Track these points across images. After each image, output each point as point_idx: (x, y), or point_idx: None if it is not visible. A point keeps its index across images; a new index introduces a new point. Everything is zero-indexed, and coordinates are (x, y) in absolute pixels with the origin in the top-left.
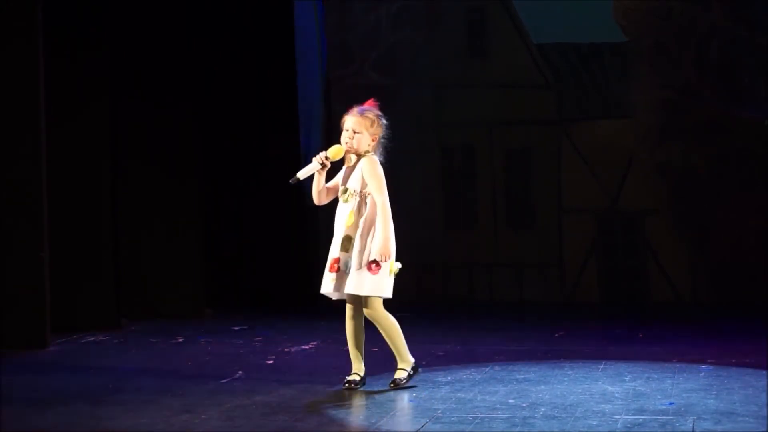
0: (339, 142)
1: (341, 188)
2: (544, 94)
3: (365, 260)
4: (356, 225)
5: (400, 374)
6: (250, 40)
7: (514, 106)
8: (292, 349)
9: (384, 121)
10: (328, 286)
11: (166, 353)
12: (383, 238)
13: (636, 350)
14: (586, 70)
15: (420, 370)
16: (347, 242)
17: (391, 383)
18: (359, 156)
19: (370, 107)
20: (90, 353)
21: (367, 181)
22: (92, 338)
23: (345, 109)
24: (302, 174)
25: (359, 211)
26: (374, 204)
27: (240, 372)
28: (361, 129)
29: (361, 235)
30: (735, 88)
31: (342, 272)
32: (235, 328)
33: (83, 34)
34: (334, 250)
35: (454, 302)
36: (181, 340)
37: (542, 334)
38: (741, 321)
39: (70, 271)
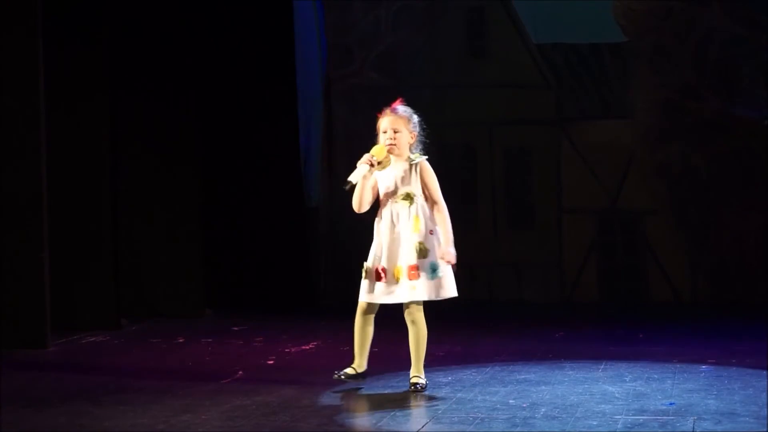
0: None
1: (400, 193)
2: (544, 94)
3: (444, 263)
4: (423, 230)
5: (420, 380)
6: (250, 40)
7: (514, 106)
8: (292, 349)
9: (417, 118)
10: (403, 293)
11: (166, 353)
12: (449, 240)
13: (636, 350)
14: (586, 70)
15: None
16: (423, 248)
17: (412, 387)
18: (409, 159)
19: (401, 105)
20: (90, 353)
21: (429, 185)
22: (92, 338)
23: (345, 109)
24: (354, 178)
25: (423, 215)
26: (426, 207)
27: (240, 372)
28: (400, 127)
29: (428, 240)
30: (735, 88)
31: (425, 278)
32: (235, 328)
33: (83, 29)
34: (406, 257)
35: (455, 302)
36: (181, 340)
37: (542, 334)
38: (741, 321)
39: (70, 271)
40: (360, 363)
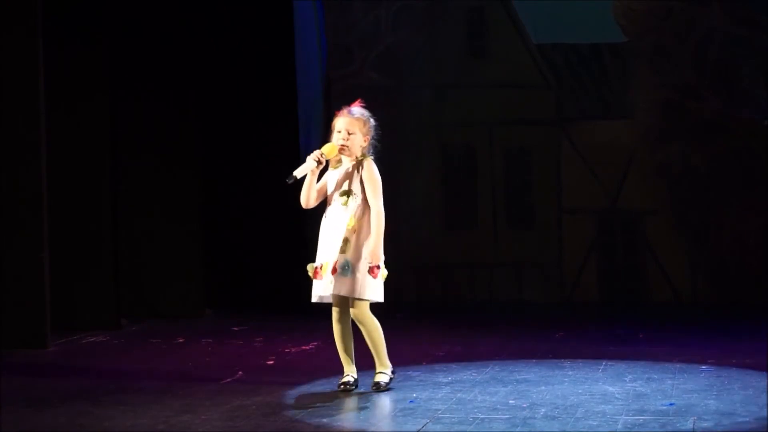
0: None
1: (340, 191)
2: (544, 94)
3: (365, 264)
4: (356, 229)
5: (382, 377)
6: (250, 40)
7: (514, 106)
8: (292, 350)
9: (373, 122)
10: (328, 288)
11: (166, 353)
12: (376, 244)
13: (636, 350)
14: (586, 70)
15: (396, 375)
16: (345, 245)
17: (373, 386)
18: (357, 159)
19: (359, 108)
20: (90, 353)
21: (366, 184)
22: (92, 338)
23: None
24: (299, 172)
25: (362, 214)
26: (363, 207)
27: (240, 372)
28: (354, 129)
29: (360, 239)
30: (735, 88)
31: (338, 274)
32: (235, 328)
33: (83, 29)
34: (332, 253)
35: (454, 302)
36: (181, 340)
37: (542, 334)
38: (741, 321)
39: (70, 271)
40: (351, 369)
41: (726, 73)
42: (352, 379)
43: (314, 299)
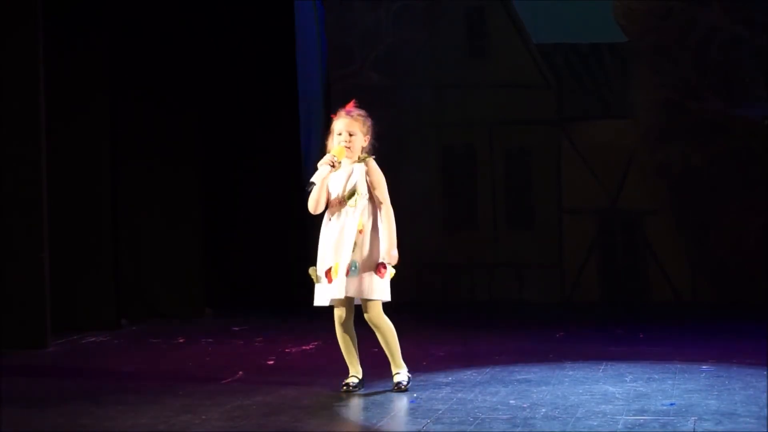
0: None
1: (346, 192)
2: (544, 94)
3: (374, 264)
4: (366, 229)
5: (402, 378)
6: (251, 40)
7: (514, 106)
8: (293, 350)
9: (371, 121)
10: (340, 291)
11: (166, 353)
12: (392, 241)
13: (636, 350)
14: (586, 70)
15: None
16: (356, 246)
17: (395, 387)
18: (359, 159)
19: (356, 108)
20: (90, 353)
21: (375, 184)
22: (92, 338)
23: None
24: (317, 179)
25: (370, 214)
26: (371, 206)
27: (240, 372)
28: (355, 130)
29: (370, 239)
30: (735, 88)
31: (349, 276)
32: (235, 328)
33: (83, 30)
34: (345, 255)
35: (454, 302)
36: (181, 340)
37: (542, 334)
38: (741, 321)
39: (70, 272)
40: (357, 370)
41: (726, 73)
42: (356, 380)
43: (325, 302)
